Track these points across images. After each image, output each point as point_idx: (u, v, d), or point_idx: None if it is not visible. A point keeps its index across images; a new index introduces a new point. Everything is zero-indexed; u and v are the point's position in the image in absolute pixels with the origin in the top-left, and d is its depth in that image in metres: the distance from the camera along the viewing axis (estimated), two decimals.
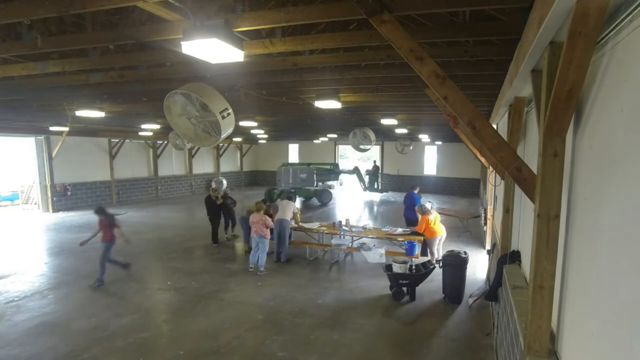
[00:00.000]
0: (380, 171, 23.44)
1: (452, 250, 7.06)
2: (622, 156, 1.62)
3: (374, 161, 24.01)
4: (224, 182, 24.78)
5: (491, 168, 7.30)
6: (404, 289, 6.80)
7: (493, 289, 4.87)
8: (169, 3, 3.59)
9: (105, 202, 18.19)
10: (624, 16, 1.59)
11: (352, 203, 19.88)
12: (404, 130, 15.71)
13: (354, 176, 20.01)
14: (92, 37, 4.46)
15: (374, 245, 9.07)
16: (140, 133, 17.44)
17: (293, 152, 28.42)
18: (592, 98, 2.02)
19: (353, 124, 14.84)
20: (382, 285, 7.34)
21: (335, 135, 22.01)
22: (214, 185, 24.64)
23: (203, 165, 24.50)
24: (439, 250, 8.48)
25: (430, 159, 24.46)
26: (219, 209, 10.80)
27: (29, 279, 7.98)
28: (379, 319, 6.17)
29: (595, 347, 1.80)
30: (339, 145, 27.33)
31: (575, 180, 2.28)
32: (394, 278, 6.76)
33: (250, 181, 28.70)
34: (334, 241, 9.11)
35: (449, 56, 5.05)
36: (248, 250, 9.36)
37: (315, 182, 17.88)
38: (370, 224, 10.96)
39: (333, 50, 5.36)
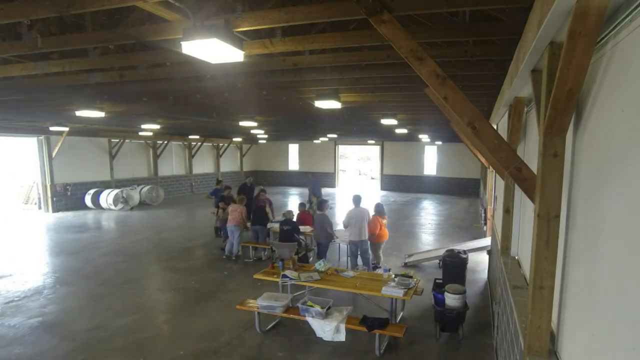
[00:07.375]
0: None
1: (452, 250, 7.05)
2: (622, 156, 1.62)
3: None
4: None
5: (491, 168, 7.30)
6: None
7: None
8: (169, 3, 3.58)
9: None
10: (624, 16, 1.59)
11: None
12: (404, 130, 15.68)
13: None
14: (92, 37, 4.45)
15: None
16: (140, 133, 17.45)
17: (293, 152, 28.42)
18: (592, 98, 2.02)
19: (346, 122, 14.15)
20: None
21: (335, 135, 21.96)
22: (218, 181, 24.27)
23: (203, 165, 24.52)
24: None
25: (430, 159, 24.48)
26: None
27: (29, 279, 7.98)
28: None
29: (596, 347, 1.80)
30: (339, 146, 27.34)
31: (575, 180, 2.28)
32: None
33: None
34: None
35: (449, 56, 5.04)
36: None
37: None
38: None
39: (333, 50, 5.35)
